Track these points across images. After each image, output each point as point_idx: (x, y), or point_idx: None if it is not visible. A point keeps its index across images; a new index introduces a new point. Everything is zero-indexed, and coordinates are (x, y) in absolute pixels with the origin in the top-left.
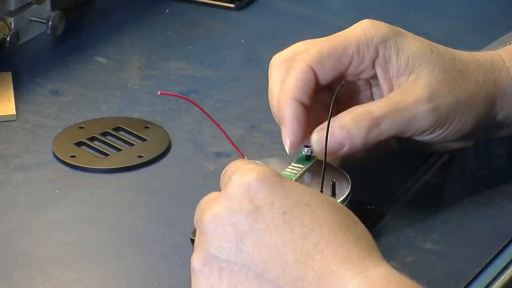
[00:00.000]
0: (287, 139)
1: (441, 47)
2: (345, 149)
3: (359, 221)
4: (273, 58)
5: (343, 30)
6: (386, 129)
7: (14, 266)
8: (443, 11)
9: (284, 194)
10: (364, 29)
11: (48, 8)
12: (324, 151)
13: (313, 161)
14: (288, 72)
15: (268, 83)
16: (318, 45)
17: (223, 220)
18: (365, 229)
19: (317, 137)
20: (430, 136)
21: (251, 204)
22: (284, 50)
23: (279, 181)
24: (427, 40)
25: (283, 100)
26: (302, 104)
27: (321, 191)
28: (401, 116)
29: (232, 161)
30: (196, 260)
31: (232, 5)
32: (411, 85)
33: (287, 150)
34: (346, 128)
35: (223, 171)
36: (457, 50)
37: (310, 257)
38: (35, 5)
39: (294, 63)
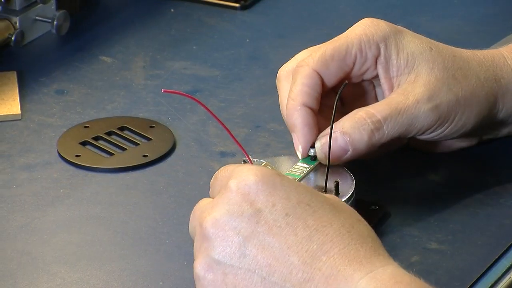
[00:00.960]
0: (299, 145)
1: (441, 45)
2: (348, 154)
3: (362, 219)
4: (279, 71)
5: (344, 32)
6: (388, 132)
7: (19, 266)
8: (447, 11)
9: (285, 195)
10: (364, 28)
11: (53, 7)
12: (327, 158)
13: (318, 161)
14: (294, 79)
15: (278, 94)
16: (321, 48)
17: (224, 224)
18: (369, 227)
19: (320, 144)
20: (432, 135)
21: (252, 207)
22: (288, 61)
23: (278, 181)
24: (427, 38)
25: (291, 107)
26: (311, 109)
27: (325, 191)
28: (402, 118)
29: (235, 161)
30: (199, 266)
31: (237, 5)
32: (411, 84)
33: (300, 156)
34: (348, 134)
35: (213, 178)
36: (457, 48)
37: (316, 258)
38: (40, 5)
39: (299, 69)
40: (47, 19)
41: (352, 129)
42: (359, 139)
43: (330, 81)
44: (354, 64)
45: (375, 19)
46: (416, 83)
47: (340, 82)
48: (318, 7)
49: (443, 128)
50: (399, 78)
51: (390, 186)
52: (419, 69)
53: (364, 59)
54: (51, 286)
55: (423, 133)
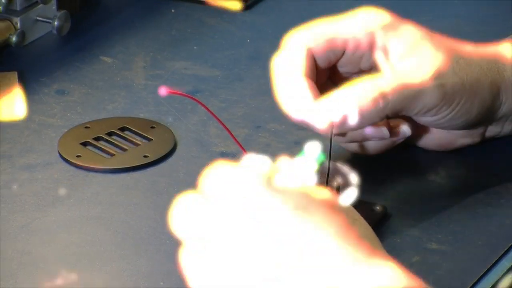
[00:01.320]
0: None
1: (442, 37)
2: (352, 121)
3: (360, 218)
4: (274, 62)
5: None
6: (393, 102)
7: (19, 266)
8: (447, 11)
9: (283, 200)
10: (363, 15)
11: (54, 7)
12: (328, 158)
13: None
14: (284, 52)
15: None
16: (312, 27)
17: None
18: (367, 226)
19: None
20: (435, 117)
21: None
22: None
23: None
24: (427, 30)
25: (286, 77)
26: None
27: (326, 183)
28: (407, 89)
29: (236, 161)
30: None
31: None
32: (416, 65)
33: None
34: (353, 99)
35: (214, 178)
36: (458, 41)
37: (313, 260)
38: (41, 5)
39: (288, 44)
40: (47, 19)
41: (356, 96)
42: (362, 106)
43: (321, 60)
44: (345, 47)
45: (376, 9)
46: (420, 64)
47: (335, 71)
48: (318, 7)
49: (447, 111)
50: (401, 62)
51: (390, 186)
52: (422, 53)
53: (357, 43)
54: (52, 286)
55: (426, 112)
